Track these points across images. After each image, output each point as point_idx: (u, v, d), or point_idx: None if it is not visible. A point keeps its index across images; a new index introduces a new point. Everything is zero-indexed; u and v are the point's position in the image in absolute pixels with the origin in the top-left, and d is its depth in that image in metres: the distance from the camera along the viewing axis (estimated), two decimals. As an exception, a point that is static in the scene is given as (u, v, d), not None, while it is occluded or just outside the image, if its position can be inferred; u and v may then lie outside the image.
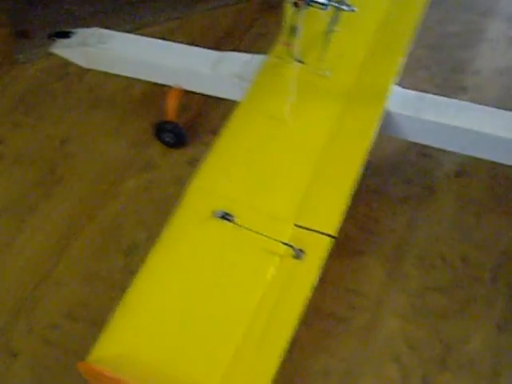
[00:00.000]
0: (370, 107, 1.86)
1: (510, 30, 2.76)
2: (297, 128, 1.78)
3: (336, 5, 1.75)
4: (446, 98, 1.94)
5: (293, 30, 1.81)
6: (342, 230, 1.54)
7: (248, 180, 1.67)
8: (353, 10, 1.76)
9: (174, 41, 2.24)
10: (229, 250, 1.52)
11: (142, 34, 2.31)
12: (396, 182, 2.16)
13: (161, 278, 1.47)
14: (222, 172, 1.68)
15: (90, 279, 1.96)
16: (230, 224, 1.52)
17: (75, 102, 2.53)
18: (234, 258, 1.51)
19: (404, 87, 1.94)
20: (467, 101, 1.97)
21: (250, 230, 1.51)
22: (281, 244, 1.49)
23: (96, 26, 2.25)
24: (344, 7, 1.75)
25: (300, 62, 1.90)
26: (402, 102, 1.91)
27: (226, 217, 1.52)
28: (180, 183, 2.14)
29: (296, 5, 1.74)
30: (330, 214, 1.58)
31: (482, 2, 2.91)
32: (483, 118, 1.87)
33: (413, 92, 1.95)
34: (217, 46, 2.66)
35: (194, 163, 2.22)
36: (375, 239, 2.02)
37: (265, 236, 1.50)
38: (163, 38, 2.24)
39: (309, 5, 1.72)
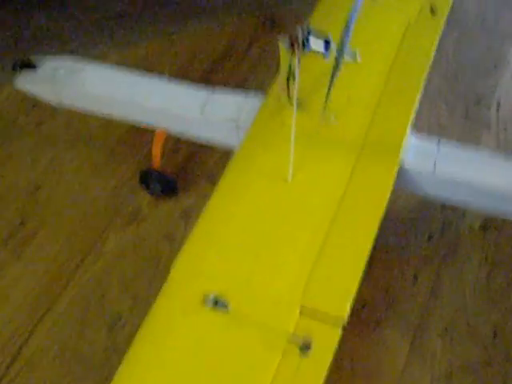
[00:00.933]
0: (384, 162, 1.62)
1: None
2: (301, 188, 1.54)
3: (337, 55, 1.49)
4: (466, 148, 1.73)
5: (291, 75, 1.57)
6: (359, 297, 1.34)
7: (244, 255, 1.42)
8: (356, 60, 1.51)
9: (161, 65, 1.99)
10: (222, 345, 1.28)
11: (124, 57, 2.05)
12: (416, 240, 1.92)
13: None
14: (214, 246, 1.44)
15: (67, 360, 1.70)
16: (224, 312, 1.28)
17: (48, 141, 2.24)
18: (228, 356, 1.27)
19: (419, 133, 1.71)
20: (492, 141, 1.78)
21: (248, 319, 1.28)
22: (284, 337, 1.26)
23: (72, 45, 1.93)
24: (346, 57, 1.50)
25: (301, 107, 1.64)
26: (418, 153, 1.67)
27: (218, 303, 1.29)
28: (171, 239, 1.93)
29: (292, 48, 1.49)
30: (342, 295, 1.34)
31: (503, 24, 2.64)
32: (507, 171, 1.65)
33: (429, 140, 1.72)
34: (210, 72, 2.42)
35: (186, 216, 1.98)
36: (396, 308, 1.78)
37: (265, 327, 1.28)
38: (148, 62, 1.97)
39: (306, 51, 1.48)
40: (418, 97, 1.77)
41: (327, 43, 1.48)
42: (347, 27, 1.49)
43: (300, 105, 1.65)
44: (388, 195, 1.53)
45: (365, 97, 1.75)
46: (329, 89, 1.52)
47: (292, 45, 1.47)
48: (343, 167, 1.58)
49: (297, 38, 1.45)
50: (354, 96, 1.73)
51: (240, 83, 2.37)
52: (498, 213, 1.70)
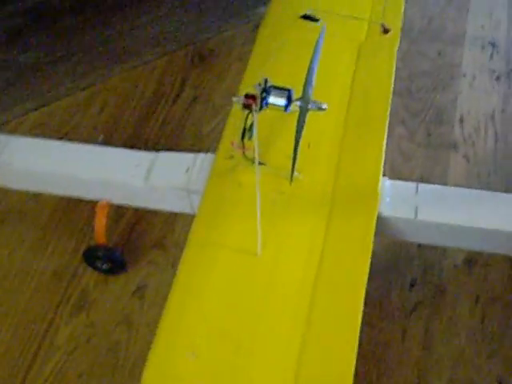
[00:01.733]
0: (360, 215, 1.45)
1: (486, 61, 2.37)
2: (273, 262, 1.34)
3: (300, 105, 1.30)
4: (444, 187, 1.69)
5: (246, 132, 1.39)
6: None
7: (219, 351, 1.21)
8: (322, 109, 1.33)
9: (88, 118, 1.77)
10: None
11: (47, 112, 1.81)
12: (398, 289, 1.73)
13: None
14: (183, 343, 1.22)
15: None
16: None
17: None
18: None
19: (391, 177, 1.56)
20: (462, 161, 1.72)
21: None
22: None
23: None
24: (311, 106, 1.31)
25: (260, 163, 1.45)
26: (395, 200, 1.52)
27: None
28: (128, 323, 1.70)
29: (247, 107, 1.30)
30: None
31: (451, 27, 2.51)
32: (489, 209, 1.54)
33: (404, 183, 1.58)
34: (143, 119, 2.19)
35: (140, 293, 1.75)
36: (388, 371, 1.59)
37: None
38: (73, 116, 1.74)
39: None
40: (386, 131, 1.61)
41: (289, 98, 1.30)
42: (309, 76, 1.31)
43: (254, 162, 1.47)
44: (370, 252, 1.36)
45: (326, 141, 1.57)
46: (296, 145, 1.33)
47: (248, 105, 1.30)
48: (317, 227, 1.40)
49: (255, 97, 1.27)
50: (314, 142, 1.55)
51: (176, 128, 2.16)
52: (482, 250, 1.60)
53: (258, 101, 1.28)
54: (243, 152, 1.44)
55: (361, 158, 1.55)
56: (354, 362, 1.18)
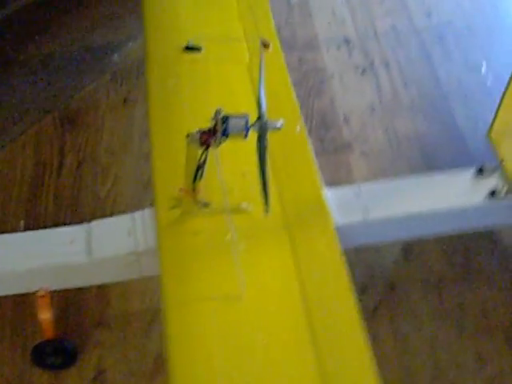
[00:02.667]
0: (319, 232, 1.43)
1: (347, 58, 2.45)
2: (260, 299, 1.28)
3: (259, 128, 1.24)
4: (383, 182, 1.67)
5: (198, 172, 1.30)
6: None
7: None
8: (278, 128, 1.28)
9: None
10: None
11: None
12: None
13: None
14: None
15: None
16: None
17: None
18: None
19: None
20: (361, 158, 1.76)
21: None
22: None
23: None
24: (270, 127, 1.26)
25: (206, 204, 1.38)
26: (343, 207, 1.51)
27: None
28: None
29: (205, 145, 1.22)
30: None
31: (299, 35, 2.55)
32: (432, 190, 1.59)
33: (345, 188, 1.60)
34: (33, 200, 1.98)
35: (100, 378, 1.58)
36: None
37: None
38: None
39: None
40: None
41: (247, 124, 1.23)
42: (260, 100, 1.26)
43: (205, 206, 1.40)
44: (344, 263, 1.35)
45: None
46: (263, 171, 1.26)
47: (205, 141, 1.22)
48: (284, 254, 1.35)
49: (214, 130, 1.20)
50: (248, 171, 1.50)
51: (70, 199, 1.99)
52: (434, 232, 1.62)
53: (219, 133, 1.20)
54: (195, 196, 1.36)
55: (297, 176, 1.52)
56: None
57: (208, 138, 1.22)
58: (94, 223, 1.47)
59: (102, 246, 1.42)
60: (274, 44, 1.83)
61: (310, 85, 2.35)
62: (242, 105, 1.67)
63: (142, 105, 2.21)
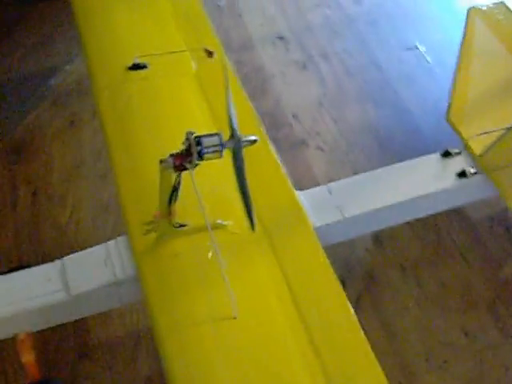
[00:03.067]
0: (300, 237, 1.41)
1: (284, 55, 2.44)
2: (253, 316, 1.26)
3: (233, 145, 1.22)
4: (350, 178, 1.66)
5: (173, 195, 1.27)
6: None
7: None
8: (254, 142, 1.26)
9: None
10: None
11: None
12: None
13: None
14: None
15: None
16: None
17: None
18: None
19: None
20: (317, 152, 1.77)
21: None
22: None
23: None
24: (245, 141, 1.23)
25: (181, 225, 1.34)
26: (317, 209, 1.51)
27: None
28: None
29: (180, 168, 1.19)
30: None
31: (234, 37, 2.54)
32: (400, 180, 1.60)
33: (315, 190, 1.58)
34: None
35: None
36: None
37: None
38: None
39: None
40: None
41: (221, 143, 1.20)
42: (231, 116, 1.23)
43: (182, 227, 1.36)
44: (330, 265, 1.35)
45: (226, 181, 1.50)
46: (243, 187, 1.24)
47: (180, 165, 1.18)
48: (270, 265, 1.34)
49: (188, 153, 1.17)
50: (218, 186, 1.47)
51: (33, 232, 1.90)
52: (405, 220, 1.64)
53: (194, 156, 1.17)
54: (170, 219, 1.32)
55: (268, 184, 1.50)
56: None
57: (183, 162, 1.18)
58: (68, 258, 1.41)
59: (79, 282, 1.37)
60: (219, 51, 1.82)
61: (252, 86, 2.33)
62: (197, 117, 1.65)
63: (89, 125, 2.16)
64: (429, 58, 2.39)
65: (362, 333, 1.24)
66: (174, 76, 1.74)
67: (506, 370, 1.58)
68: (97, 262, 1.40)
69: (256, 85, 2.34)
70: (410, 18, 2.56)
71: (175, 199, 1.28)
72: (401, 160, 1.68)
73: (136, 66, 1.69)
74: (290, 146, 2.12)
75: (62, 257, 1.42)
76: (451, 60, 2.38)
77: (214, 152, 1.18)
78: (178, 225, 1.34)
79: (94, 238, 1.81)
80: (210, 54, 1.81)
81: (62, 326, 1.61)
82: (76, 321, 1.63)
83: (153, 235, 1.36)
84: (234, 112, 1.23)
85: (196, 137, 1.17)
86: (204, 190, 1.40)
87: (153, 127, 1.58)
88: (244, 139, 1.24)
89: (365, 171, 1.89)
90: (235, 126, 1.22)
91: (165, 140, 1.54)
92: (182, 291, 1.29)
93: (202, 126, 1.62)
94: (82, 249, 1.56)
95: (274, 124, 2.20)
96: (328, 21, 2.56)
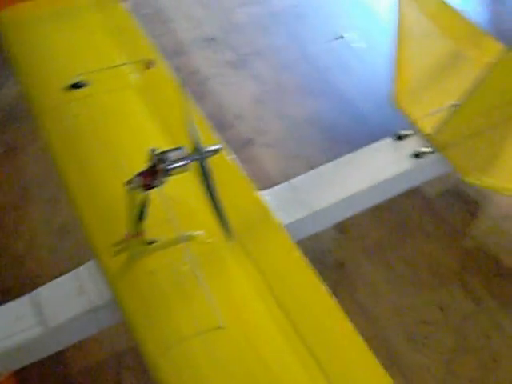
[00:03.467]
0: (272, 237, 1.40)
1: (217, 56, 2.42)
2: (240, 322, 1.25)
3: (198, 157, 1.19)
4: (309, 172, 1.63)
5: (142, 214, 1.24)
6: None
7: None
8: (218, 150, 1.24)
9: None
10: None
11: None
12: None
13: None
14: None
15: None
16: None
17: None
18: None
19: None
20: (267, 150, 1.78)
21: None
22: None
23: None
24: (209, 151, 1.21)
25: (152, 242, 1.31)
26: (283, 207, 1.50)
27: None
28: None
29: (148, 187, 1.16)
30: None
31: (163, 43, 2.49)
32: (359, 168, 1.62)
33: (277, 188, 1.57)
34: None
35: None
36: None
37: None
38: None
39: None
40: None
41: (187, 157, 1.17)
42: (192, 133, 1.20)
43: (152, 243, 1.33)
44: (306, 261, 1.35)
45: (189, 194, 1.47)
46: (213, 198, 1.22)
47: (147, 184, 1.15)
48: (247, 269, 1.32)
49: (154, 171, 1.13)
50: (184, 200, 1.44)
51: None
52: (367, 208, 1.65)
53: (161, 174, 1.14)
54: (140, 237, 1.29)
55: (230, 188, 1.47)
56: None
57: (150, 181, 1.15)
58: (39, 291, 1.35)
59: (55, 313, 1.31)
60: (158, 60, 1.79)
61: (190, 90, 2.28)
62: (147, 130, 1.61)
63: (28, 151, 2.08)
64: (359, 45, 2.42)
65: (349, 322, 1.26)
66: (117, 91, 1.70)
67: (487, 338, 1.62)
68: (70, 291, 1.34)
69: (194, 89, 2.31)
70: (336, 6, 2.59)
71: (144, 217, 1.25)
72: (351, 148, 1.69)
73: (76, 85, 1.64)
74: (238, 147, 2.09)
75: (25, 290, 1.37)
76: (381, 44, 2.44)
77: (180, 167, 1.16)
78: (148, 242, 1.32)
79: (54, 267, 1.75)
80: (149, 64, 1.77)
81: (41, 359, 1.56)
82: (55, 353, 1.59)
83: (124, 255, 1.32)
84: (194, 124, 1.21)
85: (160, 153, 1.14)
86: (170, 203, 1.38)
87: (104, 145, 1.53)
88: (208, 150, 1.22)
89: (318, 163, 1.91)
90: (198, 138, 1.20)
91: (119, 157, 1.50)
92: (163, 308, 1.26)
93: (155, 139, 1.59)
94: (44, 279, 1.51)
95: (218, 126, 2.12)
96: (255, 18, 2.56)
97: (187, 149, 1.17)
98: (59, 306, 1.32)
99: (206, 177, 1.21)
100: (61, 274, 1.39)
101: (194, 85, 2.33)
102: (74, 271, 1.37)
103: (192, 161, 1.17)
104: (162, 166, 1.13)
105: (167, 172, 1.14)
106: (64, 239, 1.83)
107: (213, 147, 1.22)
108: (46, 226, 1.87)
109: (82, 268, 1.38)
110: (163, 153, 1.14)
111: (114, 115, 1.64)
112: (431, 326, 1.63)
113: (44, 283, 1.37)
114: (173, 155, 1.15)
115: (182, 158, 1.15)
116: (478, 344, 1.61)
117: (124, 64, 1.75)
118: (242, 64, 2.38)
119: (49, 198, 1.95)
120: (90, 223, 1.39)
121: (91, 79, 1.65)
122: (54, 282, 1.37)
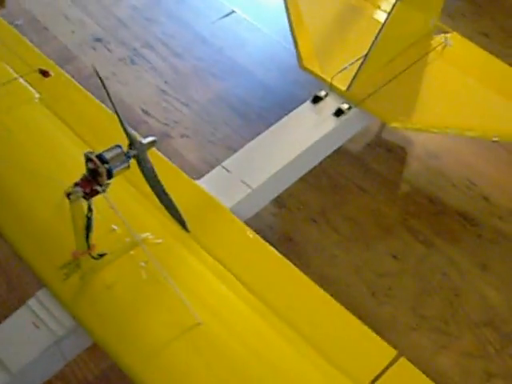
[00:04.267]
0: (220, 222, 1.38)
1: (109, 56, 2.32)
2: (218, 314, 1.20)
3: (136, 152, 1.12)
4: (239, 151, 1.58)
5: (89, 226, 1.16)
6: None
7: None
8: (154, 142, 1.17)
9: None
10: None
11: None
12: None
13: None
14: None
15: None
16: None
17: None
18: None
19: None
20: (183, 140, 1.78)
21: None
22: None
23: None
24: (147, 143, 1.14)
25: (101, 255, 1.24)
26: (223, 189, 1.46)
27: None
28: None
29: (91, 195, 1.08)
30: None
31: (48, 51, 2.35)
32: (285, 139, 1.60)
33: (213, 172, 1.52)
34: None
35: None
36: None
37: None
38: None
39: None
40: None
41: (126, 154, 1.10)
42: (125, 129, 1.13)
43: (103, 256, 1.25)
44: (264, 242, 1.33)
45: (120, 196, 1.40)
46: (158, 190, 1.16)
47: (90, 191, 1.07)
48: (204, 259, 1.28)
49: (95, 174, 1.06)
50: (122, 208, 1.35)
51: None
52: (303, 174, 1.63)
53: (104, 176, 1.06)
54: (89, 253, 1.20)
55: (165, 182, 1.42)
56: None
57: (92, 187, 1.07)
58: None
59: (16, 356, 1.20)
60: (54, 69, 1.69)
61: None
62: (63, 141, 1.52)
63: None
64: (248, 17, 2.39)
65: (323, 291, 1.24)
66: (18, 106, 1.59)
67: (445, 275, 1.65)
68: (25, 328, 1.23)
69: (93, 93, 2.19)
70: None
71: (91, 229, 1.17)
72: (264, 121, 1.66)
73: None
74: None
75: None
76: (269, 13, 2.42)
77: (121, 165, 1.09)
78: (98, 256, 1.24)
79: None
80: (45, 73, 1.67)
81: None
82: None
83: (75, 276, 1.24)
84: (125, 121, 1.14)
85: (98, 155, 1.06)
86: (108, 211, 1.29)
87: (22, 167, 1.42)
88: (144, 142, 1.15)
89: (235, 143, 1.89)
90: (130, 132, 1.13)
91: (41, 176, 1.40)
92: (133, 319, 1.19)
93: (74, 148, 1.50)
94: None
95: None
96: (137, 10, 2.47)
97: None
98: (18, 348, 1.21)
99: (148, 171, 1.15)
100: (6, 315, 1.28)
101: (92, 89, 2.21)
102: (23, 307, 1.25)
103: (132, 156, 1.11)
104: (103, 167, 1.05)
105: (110, 173, 1.07)
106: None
107: (148, 139, 1.16)
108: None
109: (32, 300, 1.27)
110: (100, 154, 1.07)
111: (20, 133, 1.53)
112: (390, 276, 1.64)
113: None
114: (112, 154, 1.08)
115: (122, 156, 1.08)
116: (438, 283, 1.64)
117: (16, 78, 1.65)
118: (136, 59, 2.29)
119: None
120: (30, 251, 1.30)
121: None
122: (4, 323, 1.26)
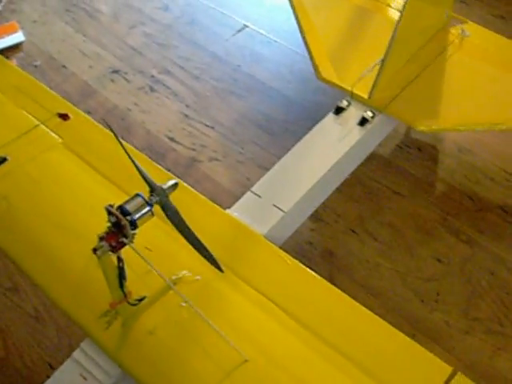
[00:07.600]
0: (258, 252, 1.35)
1: (128, 84, 2.33)
2: (264, 350, 1.18)
3: (159, 198, 1.11)
4: (268, 172, 1.55)
5: (121, 276, 1.15)
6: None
7: None
8: (176, 186, 1.15)
9: None
10: None
11: None
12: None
13: None
14: None
15: None
16: None
17: None
18: None
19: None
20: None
21: None
22: None
23: None
24: (168, 187, 1.13)
25: (140, 300, 1.23)
26: (256, 217, 1.44)
27: None
28: None
29: (118, 247, 1.07)
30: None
31: (70, 90, 2.38)
32: (312, 154, 1.57)
33: (242, 200, 1.50)
34: None
35: None
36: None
37: None
38: None
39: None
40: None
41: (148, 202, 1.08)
42: (143, 176, 1.11)
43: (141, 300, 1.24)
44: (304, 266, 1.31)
45: (158, 237, 1.37)
46: (188, 234, 1.14)
47: (117, 244, 1.06)
48: (249, 295, 1.25)
49: (120, 227, 1.05)
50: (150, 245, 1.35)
51: None
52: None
53: (128, 228, 1.05)
54: (127, 301, 1.19)
55: (199, 214, 1.40)
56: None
57: (118, 240, 1.06)
58: None
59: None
60: (74, 114, 1.69)
61: (115, 128, 2.19)
62: (90, 186, 1.51)
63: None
64: (261, 30, 2.37)
65: (369, 312, 1.21)
66: (40, 155, 1.59)
67: (491, 274, 1.61)
68: (73, 380, 1.24)
69: (118, 125, 2.21)
70: (222, 2, 2.53)
71: (125, 279, 1.16)
72: (291, 135, 1.62)
73: (-5, 162, 1.53)
74: (184, 170, 2.01)
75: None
76: (282, 24, 2.40)
77: (144, 214, 1.07)
78: (137, 302, 1.23)
79: (39, 360, 1.62)
80: (64, 116, 1.68)
81: None
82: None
83: (117, 324, 1.23)
84: (140, 166, 1.12)
85: (118, 207, 1.05)
86: (143, 253, 1.28)
87: (50, 218, 1.42)
88: (166, 187, 1.13)
89: (264, 161, 1.86)
90: (149, 178, 1.11)
91: (71, 225, 1.40)
92: (179, 363, 1.17)
93: (101, 193, 1.49)
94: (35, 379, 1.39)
95: (157, 155, 2.08)
96: (150, 37, 2.47)
97: (144, 194, 1.10)
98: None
99: (173, 216, 1.13)
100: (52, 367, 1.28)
101: (116, 121, 2.22)
102: (69, 359, 1.26)
103: (154, 204, 1.09)
104: (126, 220, 1.04)
105: (134, 224, 1.06)
106: (41, 328, 1.70)
107: (170, 183, 1.14)
108: (18, 319, 1.74)
109: (76, 352, 1.27)
110: (121, 206, 1.05)
111: (47, 182, 1.53)
112: (436, 281, 1.61)
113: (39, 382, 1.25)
114: (132, 205, 1.06)
115: (144, 205, 1.07)
116: (487, 283, 1.59)
117: (38, 125, 1.65)
118: (155, 86, 2.29)
119: (8, 288, 1.81)
120: (68, 302, 1.29)
121: (8, 153, 1.54)
122: (52, 377, 1.26)
